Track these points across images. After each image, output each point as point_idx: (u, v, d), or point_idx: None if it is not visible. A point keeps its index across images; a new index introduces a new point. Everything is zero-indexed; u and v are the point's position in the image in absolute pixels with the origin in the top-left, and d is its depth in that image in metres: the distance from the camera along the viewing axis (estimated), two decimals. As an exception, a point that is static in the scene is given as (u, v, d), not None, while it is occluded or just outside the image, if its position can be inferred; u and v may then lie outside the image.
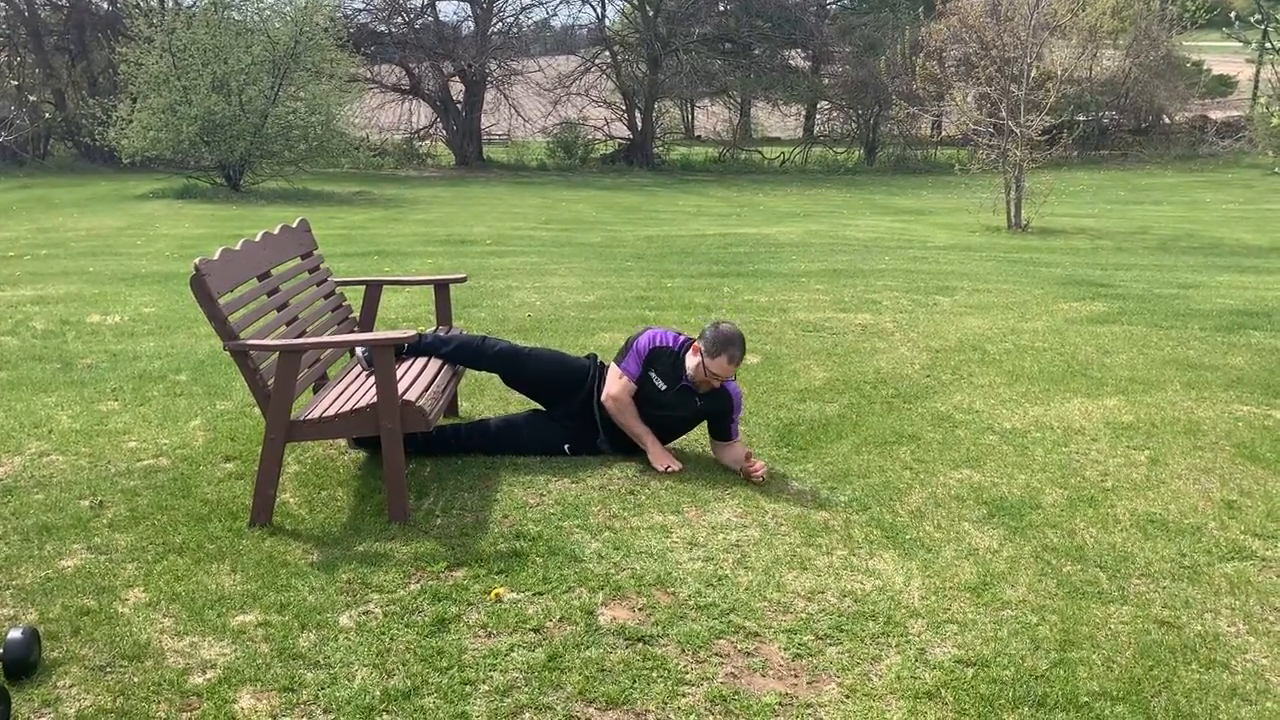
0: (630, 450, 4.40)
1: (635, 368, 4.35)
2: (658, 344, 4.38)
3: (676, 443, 4.53)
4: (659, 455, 4.28)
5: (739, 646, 2.93)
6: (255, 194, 17.73)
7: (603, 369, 4.58)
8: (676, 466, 4.25)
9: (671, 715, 2.61)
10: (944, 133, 26.53)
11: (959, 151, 21.25)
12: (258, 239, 4.27)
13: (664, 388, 4.34)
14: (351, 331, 4.73)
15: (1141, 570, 3.41)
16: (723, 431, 4.35)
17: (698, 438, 4.58)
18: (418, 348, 4.44)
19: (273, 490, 3.69)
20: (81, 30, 24.52)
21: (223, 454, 4.42)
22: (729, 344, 4.20)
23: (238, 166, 17.91)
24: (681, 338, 4.44)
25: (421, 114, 28.10)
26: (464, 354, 4.52)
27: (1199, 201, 18.37)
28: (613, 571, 3.35)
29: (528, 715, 2.60)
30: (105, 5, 24.97)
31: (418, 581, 3.28)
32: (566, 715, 2.61)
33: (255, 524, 3.66)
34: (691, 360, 4.28)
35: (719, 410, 4.34)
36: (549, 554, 3.46)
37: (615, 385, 4.36)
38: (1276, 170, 18.39)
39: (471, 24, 27.61)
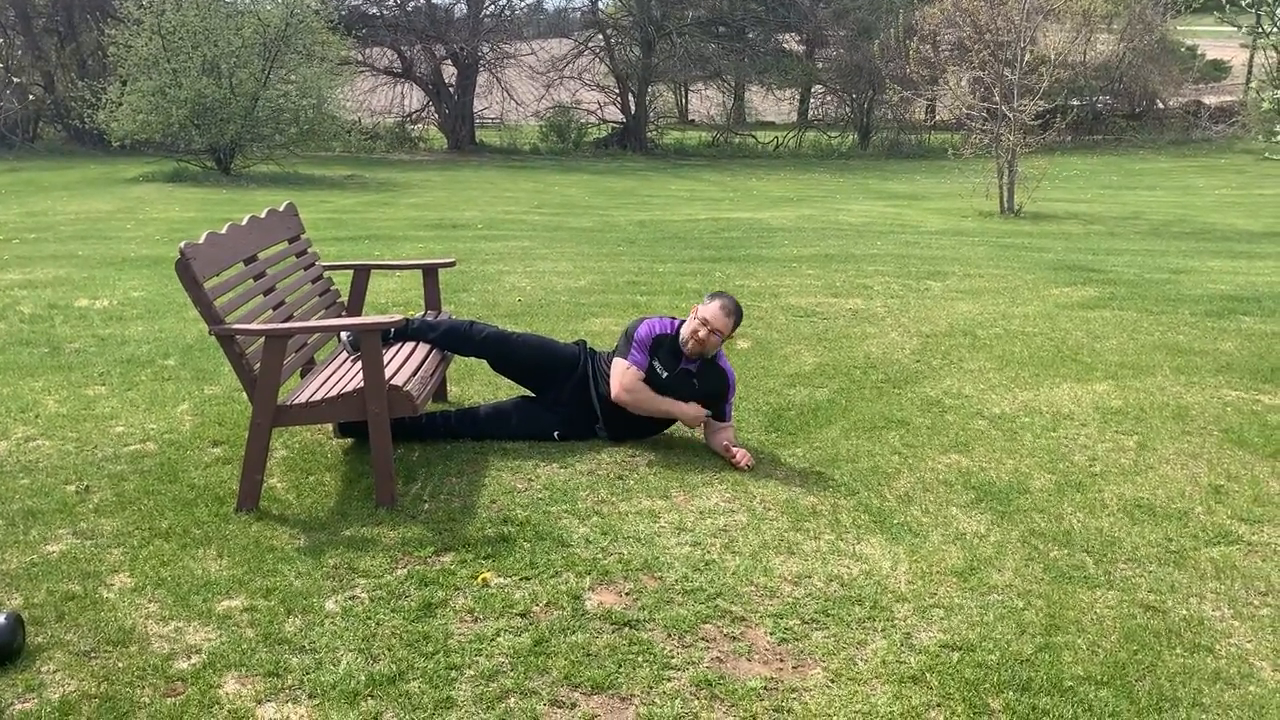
0: (624, 438, 4.39)
1: (643, 357, 4.34)
2: (657, 332, 4.38)
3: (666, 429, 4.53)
4: (690, 411, 4.30)
5: (725, 631, 2.93)
6: (246, 177, 17.63)
7: (593, 355, 4.57)
8: (705, 412, 4.30)
9: (657, 699, 2.61)
10: (938, 117, 26.49)
11: (952, 136, 21.20)
12: (244, 223, 4.25)
13: (665, 375, 4.34)
14: (340, 316, 4.71)
15: (1128, 555, 3.42)
16: (718, 413, 4.36)
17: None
18: (405, 333, 4.43)
19: (259, 475, 3.68)
20: (70, 12, 24.31)
21: (210, 439, 4.40)
22: (724, 295, 4.36)
23: (228, 150, 17.80)
24: (676, 321, 4.44)
25: (414, 97, 27.95)
26: (452, 339, 4.50)
27: (1192, 186, 18.37)
28: (600, 556, 3.35)
29: (513, 700, 2.60)
30: (94, -14, 24.75)
31: (405, 566, 3.27)
32: (552, 700, 2.61)
33: (242, 509, 3.65)
34: (690, 320, 4.32)
35: (716, 390, 4.34)
36: (536, 539, 3.46)
37: (626, 377, 4.30)
38: (1269, 155, 18.38)
39: (464, 6, 27.41)
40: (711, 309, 4.28)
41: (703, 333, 4.27)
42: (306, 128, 18.37)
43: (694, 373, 4.35)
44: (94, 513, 3.65)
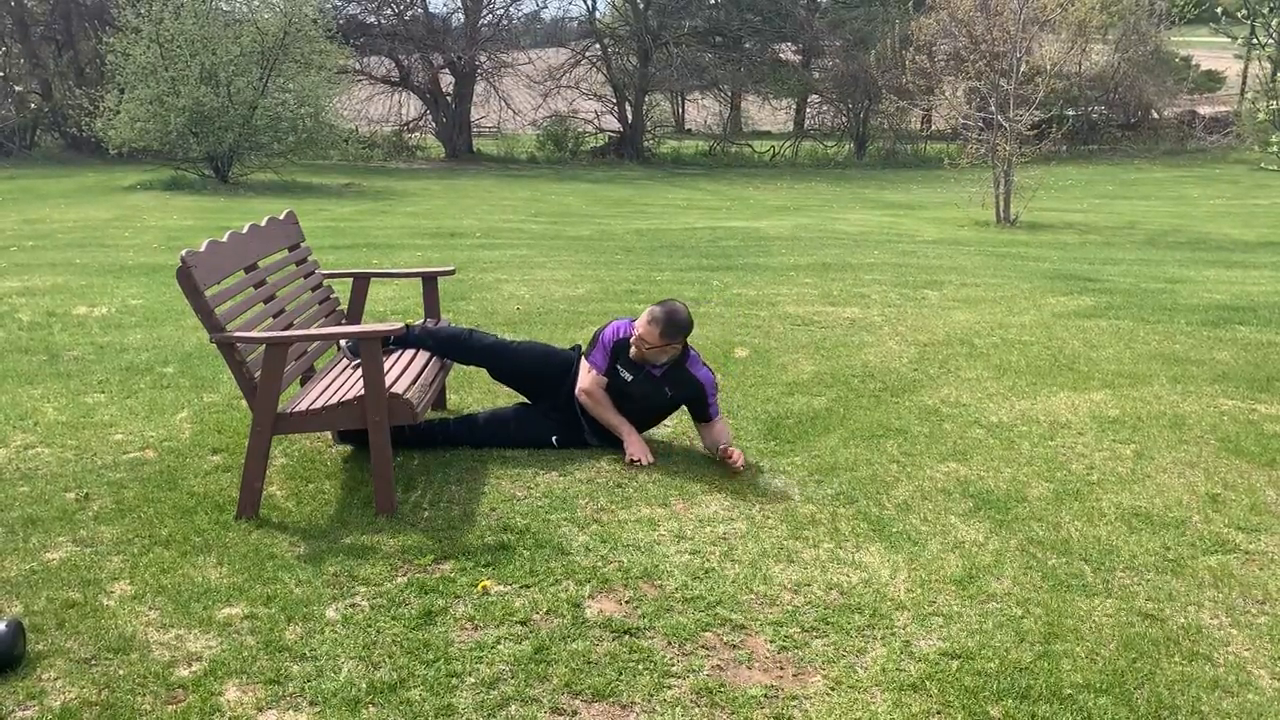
0: (617, 442, 4.40)
1: (602, 361, 4.36)
2: (620, 335, 4.38)
3: (661, 434, 4.54)
4: (634, 445, 4.27)
5: (725, 639, 2.93)
6: (244, 186, 17.65)
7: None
8: (647, 460, 4.22)
9: (657, 707, 2.62)
10: (933, 127, 26.60)
11: (948, 146, 21.27)
12: (244, 231, 4.26)
13: (630, 379, 4.34)
14: (339, 324, 4.72)
15: (1126, 563, 3.43)
16: (701, 414, 4.36)
17: (686, 432, 4.59)
18: (405, 340, 4.44)
19: (259, 483, 3.68)
20: (68, 20, 24.36)
21: (209, 446, 4.41)
22: (661, 318, 4.22)
23: (226, 158, 17.82)
24: None
25: (411, 106, 28.02)
26: (451, 347, 4.51)
27: (1187, 196, 18.44)
28: (600, 564, 3.35)
29: (514, 707, 2.61)
30: (92, -5, 24.78)
31: (405, 574, 3.27)
32: (553, 707, 2.61)
33: (242, 517, 3.65)
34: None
35: (691, 398, 4.35)
36: (536, 547, 3.46)
37: (586, 380, 4.37)
38: (1263, 165, 18.46)
39: (461, 16, 27.51)
40: (648, 330, 4.23)
41: (645, 349, 4.27)
42: (304, 136, 18.41)
43: (660, 378, 4.34)
44: (94, 520, 3.65)
